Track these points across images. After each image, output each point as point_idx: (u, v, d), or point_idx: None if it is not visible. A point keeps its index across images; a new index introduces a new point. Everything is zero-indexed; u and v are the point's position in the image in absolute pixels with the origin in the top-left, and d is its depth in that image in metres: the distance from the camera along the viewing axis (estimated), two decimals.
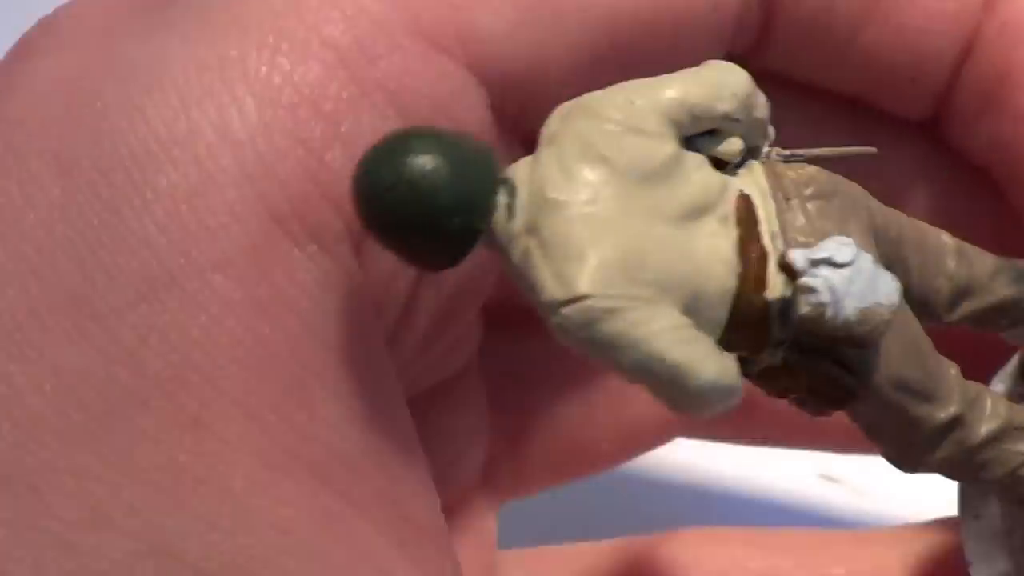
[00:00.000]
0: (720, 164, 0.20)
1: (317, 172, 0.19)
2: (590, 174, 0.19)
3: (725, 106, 0.20)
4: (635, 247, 0.18)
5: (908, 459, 0.22)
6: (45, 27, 0.21)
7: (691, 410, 0.19)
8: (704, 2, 0.22)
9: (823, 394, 0.20)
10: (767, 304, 0.19)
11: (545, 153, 0.19)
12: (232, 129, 0.19)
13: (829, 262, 0.19)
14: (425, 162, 0.18)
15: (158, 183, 0.19)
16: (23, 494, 0.18)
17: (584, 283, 0.18)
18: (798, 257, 0.19)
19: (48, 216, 0.19)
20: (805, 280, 0.19)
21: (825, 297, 0.19)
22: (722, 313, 0.19)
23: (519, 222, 0.19)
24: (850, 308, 0.19)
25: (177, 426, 0.18)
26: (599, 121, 0.19)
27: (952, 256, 0.22)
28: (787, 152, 0.21)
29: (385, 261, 0.20)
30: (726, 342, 0.19)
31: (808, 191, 0.20)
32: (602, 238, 0.18)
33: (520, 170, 0.19)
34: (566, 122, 0.19)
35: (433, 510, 0.20)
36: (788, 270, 0.19)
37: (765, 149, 0.21)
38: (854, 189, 0.21)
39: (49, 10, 0.21)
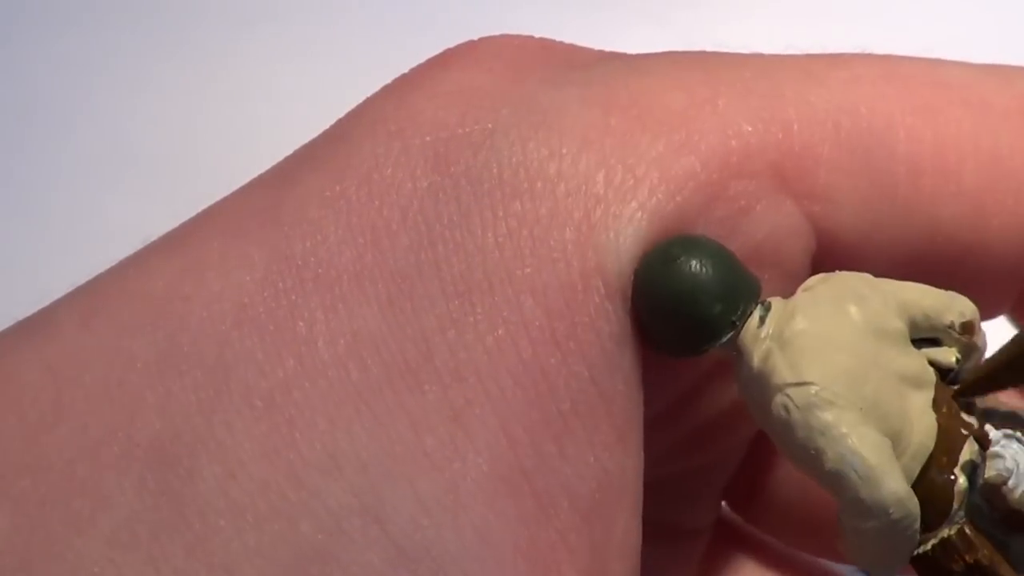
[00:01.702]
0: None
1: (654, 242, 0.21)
2: (836, 311, 0.21)
3: (952, 317, 0.22)
4: (862, 369, 0.21)
5: None
6: (470, 46, 0.24)
7: (870, 520, 0.20)
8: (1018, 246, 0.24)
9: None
10: (952, 484, 0.21)
11: (801, 296, 0.21)
12: (594, 185, 0.21)
13: (1020, 440, 0.21)
14: (695, 259, 0.21)
15: (512, 205, 0.21)
16: (281, 424, 0.19)
17: (814, 373, 0.20)
18: (992, 429, 0.21)
19: (408, 201, 0.21)
20: (995, 448, 0.21)
21: (1010, 465, 0.21)
22: (914, 468, 0.21)
23: (767, 330, 0.21)
24: None
25: (437, 413, 0.20)
26: (852, 286, 0.21)
27: None
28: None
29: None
30: None
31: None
32: (836, 351, 0.21)
33: (778, 300, 0.21)
34: (825, 281, 0.22)
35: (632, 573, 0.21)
36: (982, 439, 0.21)
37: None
38: None
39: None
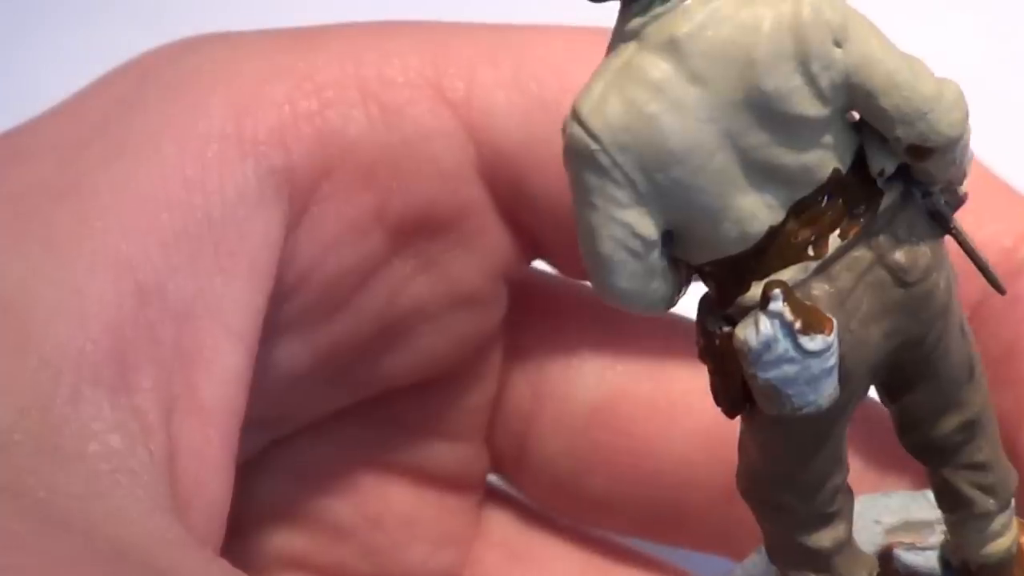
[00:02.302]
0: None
1: (291, 131, 0.26)
2: (719, 60, 0.18)
3: (899, 131, 0.18)
4: (679, 151, 0.18)
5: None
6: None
7: (603, 299, 0.19)
8: None
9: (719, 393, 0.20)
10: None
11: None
12: (250, 85, 0.26)
13: (784, 320, 0.18)
14: None
15: (185, 94, 0.26)
16: None
17: (600, 125, 0.17)
18: (769, 297, 0.18)
19: (115, 93, 0.27)
20: (760, 316, 0.18)
21: (754, 343, 0.18)
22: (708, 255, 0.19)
23: (640, 21, 0.18)
24: (762, 372, 0.18)
25: (74, 224, 0.24)
26: (809, 30, 0.18)
27: (958, 430, 0.21)
28: (951, 219, 0.20)
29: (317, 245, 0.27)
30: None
31: (872, 275, 0.19)
32: (662, 114, 0.17)
33: None
34: None
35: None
36: (763, 300, 0.19)
37: (936, 195, 0.19)
38: (933, 300, 0.19)
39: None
